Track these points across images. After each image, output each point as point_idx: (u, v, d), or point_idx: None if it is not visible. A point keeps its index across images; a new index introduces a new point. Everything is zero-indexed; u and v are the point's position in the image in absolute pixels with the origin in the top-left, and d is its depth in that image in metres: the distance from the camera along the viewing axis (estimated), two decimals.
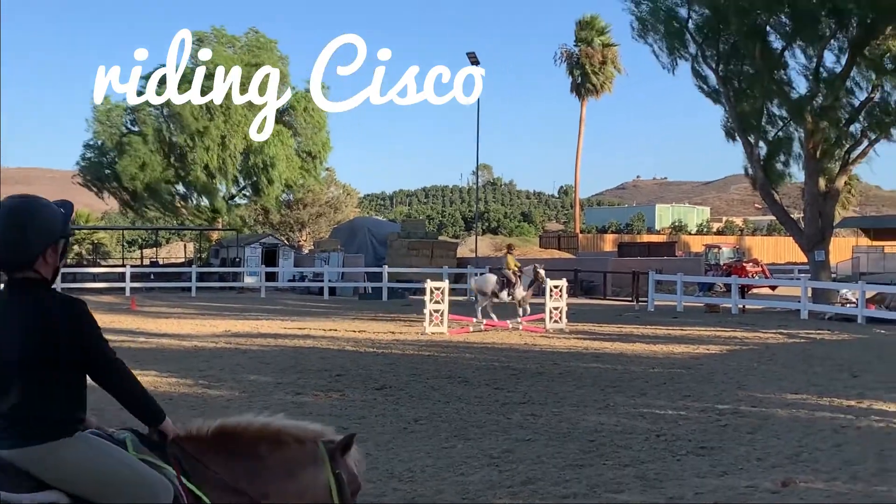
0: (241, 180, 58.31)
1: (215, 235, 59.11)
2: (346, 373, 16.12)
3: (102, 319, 22.84)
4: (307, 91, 57.32)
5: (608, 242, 72.48)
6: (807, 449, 9.83)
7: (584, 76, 70.12)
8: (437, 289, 23.88)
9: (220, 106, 53.31)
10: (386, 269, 41.72)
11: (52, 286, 4.08)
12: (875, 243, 44.47)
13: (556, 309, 24.76)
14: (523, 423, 11.45)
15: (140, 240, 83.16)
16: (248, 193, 59.50)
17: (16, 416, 3.92)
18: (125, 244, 75.36)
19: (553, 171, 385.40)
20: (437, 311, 23.65)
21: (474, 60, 42.31)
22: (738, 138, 32.41)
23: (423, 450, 9.99)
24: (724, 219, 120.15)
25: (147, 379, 15.08)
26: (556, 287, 25.03)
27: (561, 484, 8.45)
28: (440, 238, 60.84)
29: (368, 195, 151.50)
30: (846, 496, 8.03)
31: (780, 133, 32.54)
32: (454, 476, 8.83)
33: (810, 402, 12.84)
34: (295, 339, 22.27)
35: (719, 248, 44.70)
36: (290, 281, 47.78)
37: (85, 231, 70.14)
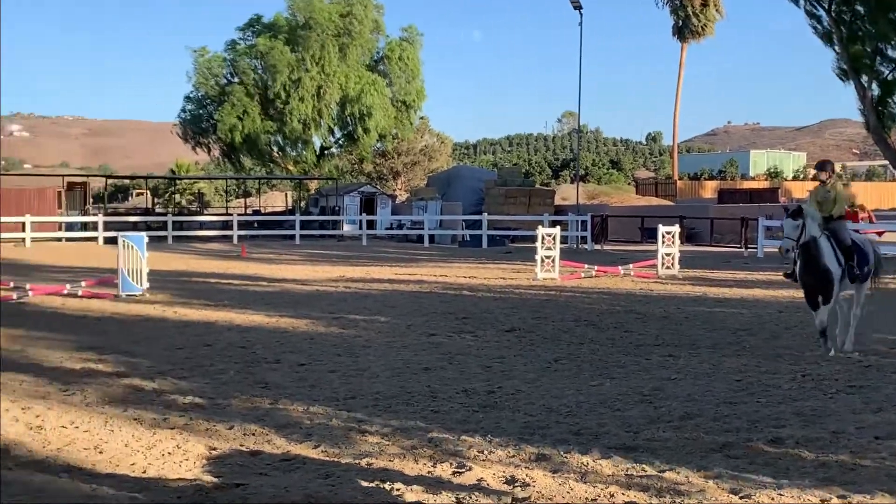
0: (336, 130, 58.83)
1: (314, 185, 59.92)
2: (470, 316, 16.43)
3: (218, 265, 23.82)
4: (402, 40, 57.46)
5: (707, 189, 71.29)
6: None
7: (687, 18, 68.88)
8: (549, 235, 24.01)
9: (315, 56, 53.75)
10: (486, 217, 41.89)
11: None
12: None
13: (668, 255, 24.78)
14: (664, 364, 11.61)
15: (233, 190, 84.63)
16: (342, 143, 60.02)
17: None
18: (223, 194, 76.91)
19: (641, 117, 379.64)
20: (548, 256, 23.80)
21: (577, 5, 41.79)
22: (849, 80, 31.65)
23: (572, 387, 10.23)
24: None
25: (284, 321, 15.67)
26: (668, 233, 25.02)
27: (720, 419, 8.60)
28: (537, 186, 60.61)
29: (454, 145, 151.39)
30: None
31: (894, 74, 31.66)
32: (611, 412, 9.05)
33: None
34: (409, 284, 22.68)
35: None
36: (387, 229, 48.33)
37: (186, 181, 71.71)
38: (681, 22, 70.40)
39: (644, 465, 7.11)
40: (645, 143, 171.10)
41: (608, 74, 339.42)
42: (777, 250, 12.74)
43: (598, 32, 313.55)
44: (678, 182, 73.41)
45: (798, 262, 11.98)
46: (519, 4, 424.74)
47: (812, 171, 13.26)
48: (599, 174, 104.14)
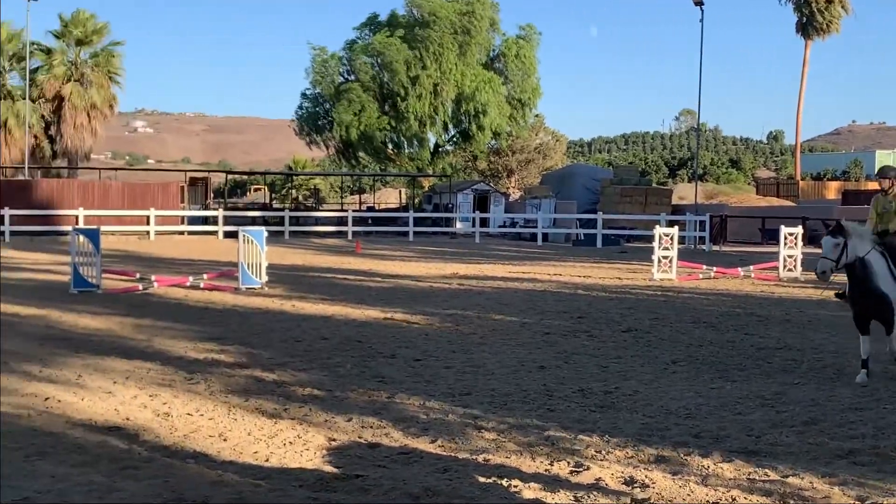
0: (451, 128, 59.07)
1: (428, 182, 60.33)
2: (586, 315, 16.30)
3: (333, 260, 24.15)
4: (518, 38, 57.35)
5: (831, 190, 69.08)
6: None
7: (811, 15, 67.05)
8: (667, 235, 23.65)
9: (433, 54, 54.08)
10: (601, 216, 41.50)
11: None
12: None
13: (790, 257, 24.14)
14: (786, 368, 11.31)
15: (348, 186, 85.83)
16: (457, 140, 60.24)
17: None
18: (338, 190, 78.08)
19: (762, 115, 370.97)
20: (665, 257, 23.45)
21: (698, 1, 40.99)
22: None
23: (691, 389, 10.05)
24: None
25: (398, 316, 15.80)
26: (790, 234, 24.38)
27: (845, 425, 8.34)
28: (653, 185, 59.78)
29: (568, 143, 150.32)
30: None
31: None
32: (731, 415, 8.85)
33: None
34: (523, 282, 22.62)
35: None
36: (500, 227, 48.33)
37: (303, 177, 73.07)
38: (805, 19, 68.53)
39: (766, 470, 6.95)
40: (766, 141, 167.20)
41: (728, 72, 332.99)
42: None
43: (718, 28, 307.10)
44: (800, 182, 71.40)
45: (848, 283, 10.70)
46: (638, 1, 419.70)
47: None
48: (718, 173, 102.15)
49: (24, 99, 51.95)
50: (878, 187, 11.55)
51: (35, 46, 53.47)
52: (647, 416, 8.83)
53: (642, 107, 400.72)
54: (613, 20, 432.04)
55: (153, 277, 20.50)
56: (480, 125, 55.19)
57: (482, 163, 66.76)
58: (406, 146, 59.73)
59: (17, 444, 7.43)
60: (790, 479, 6.68)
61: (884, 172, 11.54)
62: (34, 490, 6.26)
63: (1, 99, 54.47)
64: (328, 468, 6.97)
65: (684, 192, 62.53)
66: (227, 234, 41.57)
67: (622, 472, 6.91)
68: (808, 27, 68.69)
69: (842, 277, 10.94)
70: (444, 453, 7.43)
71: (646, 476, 6.81)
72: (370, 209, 58.27)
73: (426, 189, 59.72)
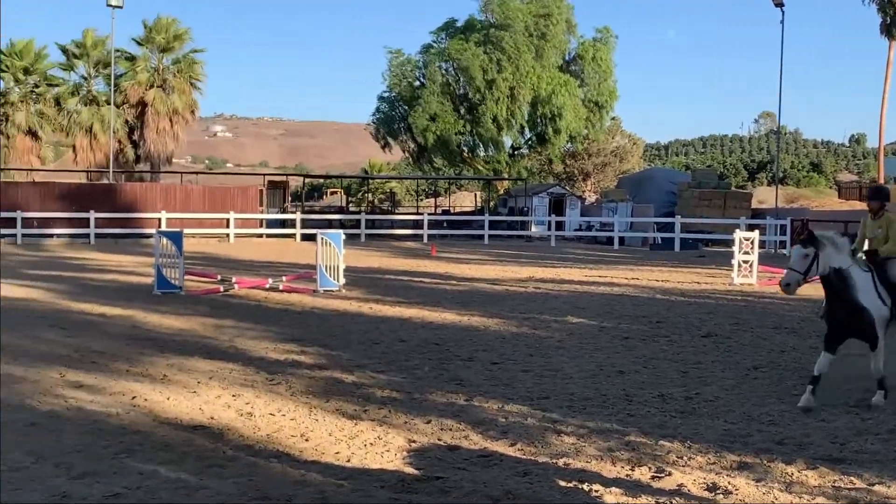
0: (527, 131, 58.95)
1: (503, 185, 60.30)
2: (664, 320, 16.14)
3: (409, 263, 24.24)
4: (594, 40, 57.02)
5: None
6: None
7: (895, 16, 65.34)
8: (747, 239, 23.30)
9: (509, 57, 54.04)
10: (678, 220, 41.02)
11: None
12: None
13: None
14: (869, 375, 11.00)
15: (423, 190, 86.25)
16: (532, 144, 60.08)
17: None
18: (413, 193, 78.50)
19: (843, 118, 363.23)
20: (745, 261, 23.11)
21: (778, 2, 40.34)
22: None
23: (773, 395, 9.91)
24: None
25: (476, 319, 15.84)
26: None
27: None
28: (732, 188, 58.91)
29: (645, 146, 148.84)
30: None
31: None
32: (815, 422, 8.71)
33: None
34: (599, 286, 22.47)
35: None
36: (576, 230, 48.08)
37: (378, 180, 73.62)
38: (889, 19, 66.65)
39: (852, 478, 6.84)
40: (847, 144, 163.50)
41: (809, 73, 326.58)
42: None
43: (799, 30, 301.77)
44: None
45: (825, 298, 9.82)
46: (716, 2, 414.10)
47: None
48: (798, 177, 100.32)
49: (109, 105, 53.22)
50: (871, 209, 10.53)
51: (119, 53, 54.73)
52: (728, 422, 8.72)
53: (720, 109, 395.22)
54: (691, 21, 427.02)
55: (234, 279, 20.83)
56: (556, 128, 54.97)
57: (558, 166, 66.51)
58: (482, 149, 59.78)
59: (107, 441, 7.64)
60: (876, 488, 6.56)
61: (874, 194, 10.69)
62: (123, 486, 6.43)
63: (87, 105, 55.93)
64: (409, 470, 7.03)
65: (764, 196, 61.48)
66: (305, 237, 42.04)
67: (704, 479, 6.85)
68: (892, 28, 66.89)
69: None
70: (524, 457, 7.44)
71: (729, 482, 6.74)
72: (445, 212, 58.45)
73: (501, 192, 59.68)
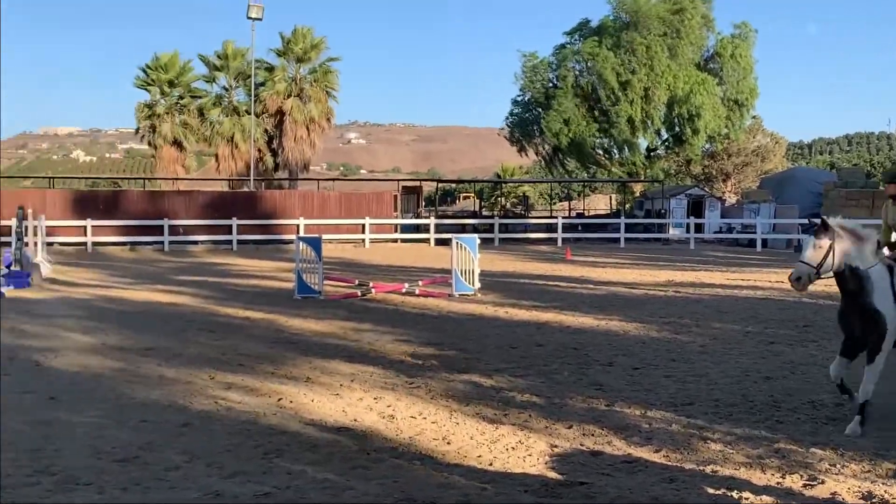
0: (663, 132, 57.96)
1: (639, 188, 59.45)
2: (812, 324, 15.62)
3: (543, 267, 24.09)
4: (733, 36, 55.61)
5: None
6: None
7: None
8: None
9: (642, 58, 53.25)
10: None
11: None
12: None
13: None
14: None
15: (556, 193, 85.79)
16: (669, 145, 59.03)
17: None
18: (546, 197, 78.19)
19: None
20: None
21: None
22: None
23: None
24: None
25: (614, 323, 15.63)
26: None
27: None
28: (881, 187, 56.57)
29: (788, 145, 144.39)
30: None
31: None
32: None
33: None
34: (743, 289, 21.92)
35: None
36: (716, 233, 46.99)
37: (511, 184, 73.64)
38: None
39: None
40: None
41: None
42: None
43: None
44: None
45: (841, 298, 8.70)
46: None
47: None
48: None
49: (250, 115, 54.79)
50: (889, 193, 9.66)
51: (258, 64, 56.31)
52: (882, 429, 8.34)
53: (867, 106, 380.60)
54: (833, 15, 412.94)
55: (371, 284, 21.13)
56: (695, 128, 53.74)
57: (696, 167, 65.10)
58: (616, 151, 59.03)
59: (256, 441, 7.83)
60: None
61: (893, 177, 9.72)
62: (273, 486, 6.58)
63: (228, 115, 57.76)
64: (552, 474, 6.97)
65: None
66: (439, 242, 42.37)
67: (859, 487, 6.60)
68: None
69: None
70: (670, 463, 7.29)
71: (885, 491, 6.49)
72: (579, 216, 57.95)
73: (637, 195, 58.82)
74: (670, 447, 7.71)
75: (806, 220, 36.08)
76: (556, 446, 7.77)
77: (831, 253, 8.22)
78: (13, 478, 6.70)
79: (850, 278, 8.36)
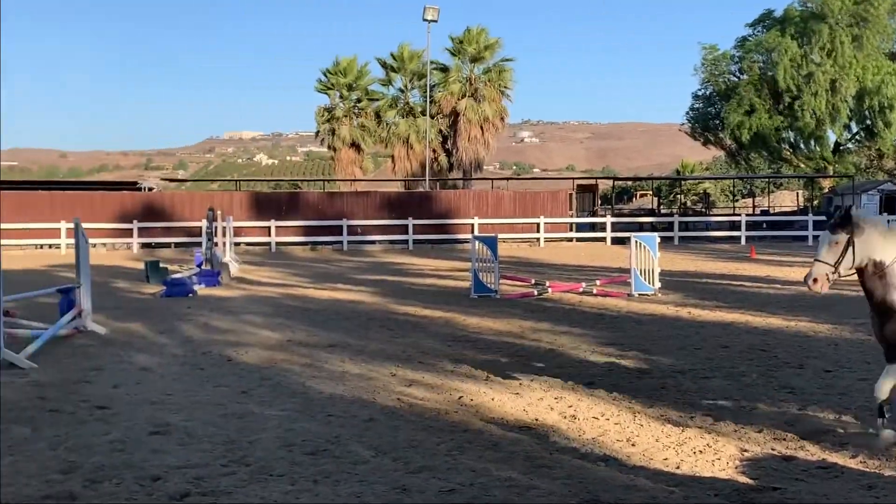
0: (853, 125, 55.43)
1: (827, 183, 57.08)
2: None
3: (726, 266, 23.37)
4: None
5: None
6: None
7: None
8: None
9: (827, 49, 51.09)
10: None
11: None
12: None
13: None
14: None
15: (739, 190, 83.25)
16: (860, 138, 56.39)
17: None
18: (728, 194, 76.04)
19: None
20: None
21: None
22: None
23: None
24: None
25: (804, 324, 15.08)
26: None
27: None
28: None
29: None
30: None
31: None
32: None
33: None
34: None
35: None
36: None
37: (690, 181, 72.02)
38: None
39: None
40: None
41: None
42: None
43: None
44: None
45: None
46: None
47: None
48: None
49: (425, 115, 55.61)
50: None
51: (433, 65, 57.07)
52: None
53: None
54: None
55: (547, 283, 21.04)
56: (887, 121, 51.14)
57: (889, 161, 62.00)
58: (802, 146, 56.87)
59: (439, 438, 7.90)
60: None
61: None
62: (458, 482, 6.60)
63: (404, 116, 58.81)
64: (743, 479, 6.73)
65: None
66: (615, 241, 41.89)
67: None
68: None
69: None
70: (868, 470, 6.94)
71: None
72: (764, 213, 56.09)
73: (826, 191, 56.45)
74: (868, 453, 7.32)
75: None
76: (746, 450, 7.50)
77: (850, 248, 7.51)
78: (210, 467, 6.98)
79: (869, 275, 7.61)
